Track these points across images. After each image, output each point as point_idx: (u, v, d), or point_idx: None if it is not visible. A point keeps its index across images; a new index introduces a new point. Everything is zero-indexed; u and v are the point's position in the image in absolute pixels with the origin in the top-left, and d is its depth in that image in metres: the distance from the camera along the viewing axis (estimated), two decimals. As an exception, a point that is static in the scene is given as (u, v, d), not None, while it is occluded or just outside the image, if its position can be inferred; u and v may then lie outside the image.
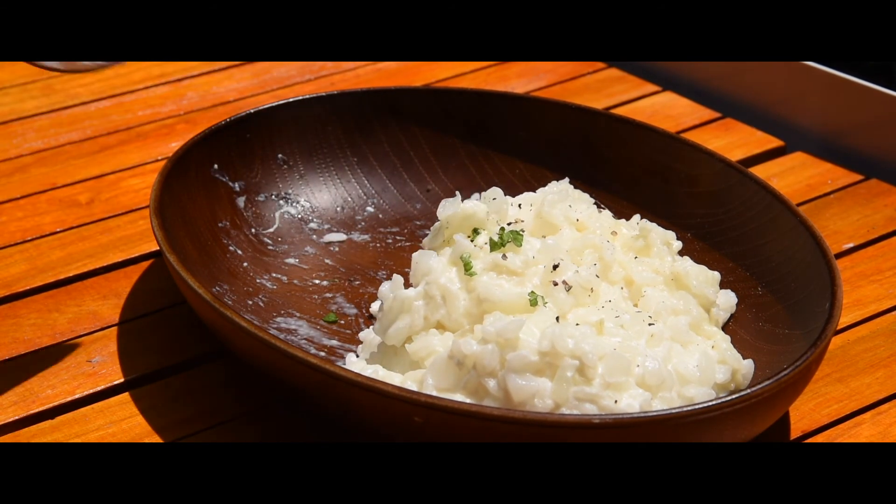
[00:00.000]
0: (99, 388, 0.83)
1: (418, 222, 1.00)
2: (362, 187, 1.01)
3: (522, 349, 0.75)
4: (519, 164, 1.03)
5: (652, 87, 1.25)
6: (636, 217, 0.91)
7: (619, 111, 1.20)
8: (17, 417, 0.81)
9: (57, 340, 0.88)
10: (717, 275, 0.87)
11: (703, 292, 0.85)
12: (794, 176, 1.11)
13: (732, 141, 1.16)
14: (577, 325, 0.77)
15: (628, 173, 1.01)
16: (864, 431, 0.82)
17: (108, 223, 1.01)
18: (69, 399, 0.83)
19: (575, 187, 0.96)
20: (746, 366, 0.82)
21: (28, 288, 0.93)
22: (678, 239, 0.92)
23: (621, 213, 0.99)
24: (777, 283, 0.89)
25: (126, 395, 0.83)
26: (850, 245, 1.01)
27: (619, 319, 0.79)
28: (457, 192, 0.90)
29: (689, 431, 0.71)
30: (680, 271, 0.86)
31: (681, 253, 0.92)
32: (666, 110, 1.21)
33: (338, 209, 1.00)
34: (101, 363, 0.86)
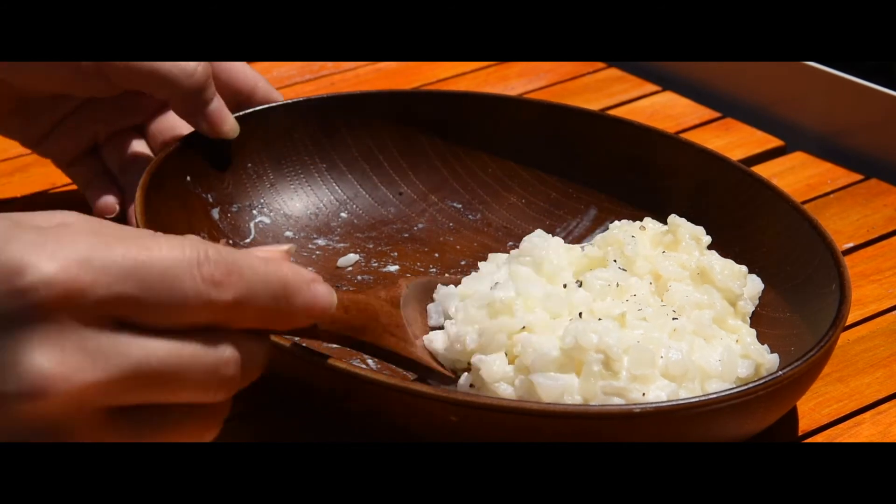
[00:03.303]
0: (99, 388, 0.83)
1: (394, 226, 1.00)
2: (334, 193, 1.01)
3: (542, 347, 0.75)
4: (490, 164, 1.03)
5: (652, 87, 1.25)
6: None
7: (619, 111, 1.20)
8: (16, 417, 0.81)
9: (57, 340, 0.88)
10: (743, 268, 0.86)
11: (728, 286, 0.84)
12: (794, 176, 1.11)
13: (732, 141, 1.16)
14: (600, 319, 0.77)
15: (604, 167, 1.01)
16: (863, 431, 0.82)
17: (108, 223, 1.01)
18: (69, 399, 0.82)
19: (549, 183, 1.00)
20: (771, 360, 0.81)
21: (28, 288, 0.93)
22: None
23: (599, 206, 1.00)
24: (772, 268, 0.89)
25: (126, 395, 0.83)
26: (850, 245, 1.01)
27: (641, 313, 0.79)
28: None
29: (734, 414, 0.73)
30: (705, 265, 0.85)
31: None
32: (666, 110, 1.21)
33: (311, 217, 0.99)
34: (101, 363, 0.85)
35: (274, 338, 0.74)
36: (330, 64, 1.28)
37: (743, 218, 0.93)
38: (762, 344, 0.83)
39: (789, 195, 0.92)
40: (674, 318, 0.80)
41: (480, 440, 0.71)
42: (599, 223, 0.99)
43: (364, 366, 0.84)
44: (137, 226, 0.84)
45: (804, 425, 0.83)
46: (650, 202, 0.97)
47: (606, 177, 1.00)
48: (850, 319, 0.92)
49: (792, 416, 0.83)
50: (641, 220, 0.90)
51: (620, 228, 0.87)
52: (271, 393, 0.82)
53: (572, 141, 1.02)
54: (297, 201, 1.00)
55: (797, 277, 0.87)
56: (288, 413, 0.81)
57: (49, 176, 1.07)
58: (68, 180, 1.07)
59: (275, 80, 1.25)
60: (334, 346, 0.87)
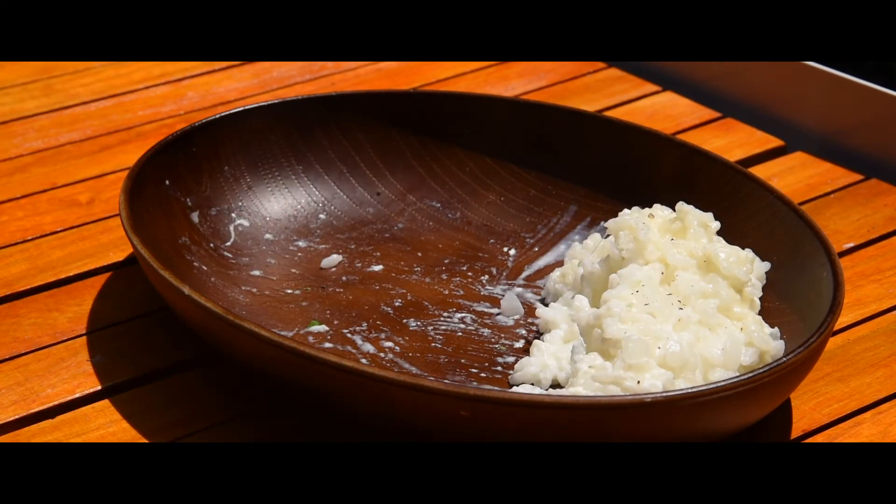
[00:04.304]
0: (99, 388, 0.83)
1: (374, 226, 1.00)
2: (311, 195, 1.01)
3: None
4: (468, 162, 1.03)
5: (652, 87, 1.25)
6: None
7: (619, 111, 1.20)
8: (16, 417, 0.81)
9: (57, 340, 0.88)
10: (749, 253, 0.87)
11: (733, 273, 0.84)
12: (794, 176, 1.11)
13: (732, 141, 1.16)
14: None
15: (583, 163, 1.01)
16: (864, 431, 0.82)
17: (108, 223, 1.01)
18: (69, 399, 0.83)
19: (528, 180, 1.00)
20: (776, 347, 0.81)
21: (28, 287, 0.93)
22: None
23: (580, 202, 1.00)
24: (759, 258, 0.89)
25: (126, 395, 0.83)
26: (850, 245, 1.01)
27: (648, 307, 0.79)
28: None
29: (742, 400, 0.73)
30: (710, 253, 0.85)
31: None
32: (666, 110, 1.21)
33: (290, 219, 0.99)
34: (101, 363, 0.86)
35: (274, 337, 0.74)
36: (330, 64, 1.28)
37: (726, 209, 0.93)
38: (772, 327, 0.83)
39: (772, 185, 0.92)
40: (679, 309, 0.80)
41: (490, 435, 0.71)
42: (580, 219, 1.00)
43: (366, 361, 0.84)
44: (125, 230, 0.84)
45: (804, 425, 0.83)
46: (631, 197, 0.97)
47: (586, 173, 1.01)
48: (850, 319, 0.93)
49: (792, 415, 0.83)
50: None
51: (631, 215, 0.87)
52: (272, 393, 0.82)
53: (551, 138, 1.03)
54: (275, 203, 1.00)
55: (785, 266, 0.87)
56: (289, 413, 0.81)
57: (49, 175, 1.07)
58: (69, 180, 1.07)
59: (275, 80, 1.25)
60: (328, 345, 0.87)
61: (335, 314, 0.90)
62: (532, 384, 0.83)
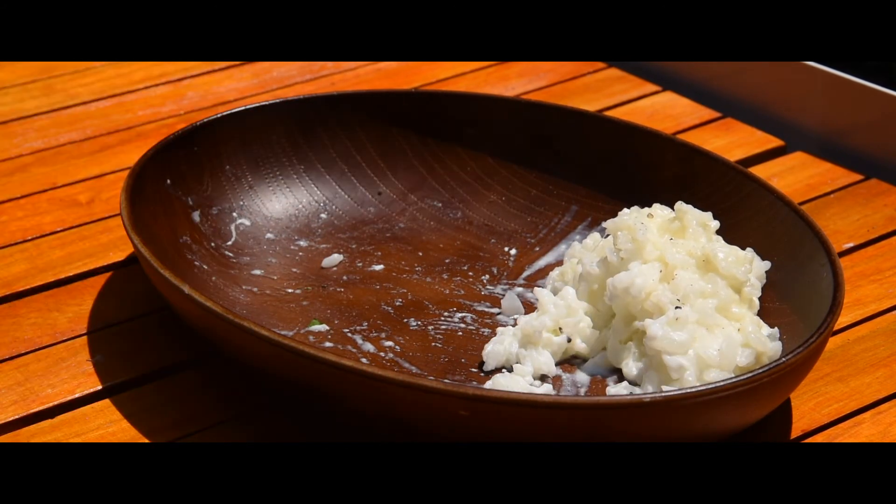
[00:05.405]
0: (99, 388, 0.84)
1: (376, 226, 1.00)
2: (312, 195, 1.01)
3: None
4: (469, 162, 1.03)
5: (652, 87, 1.25)
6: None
7: (619, 111, 1.20)
8: (16, 417, 0.81)
9: (57, 340, 0.88)
10: (749, 252, 0.87)
11: (732, 273, 0.84)
12: (794, 176, 1.11)
13: (732, 141, 1.16)
14: None
15: (584, 163, 1.01)
16: (864, 431, 0.82)
17: (108, 223, 1.01)
18: (69, 398, 0.83)
19: (529, 180, 1.01)
20: (773, 348, 0.81)
21: (28, 287, 0.93)
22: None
23: (581, 202, 1.00)
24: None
25: (127, 395, 0.83)
26: (850, 245, 1.01)
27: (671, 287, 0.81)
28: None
29: (740, 401, 0.74)
30: (709, 252, 0.85)
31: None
32: (666, 110, 1.21)
33: (291, 218, 0.99)
34: (101, 362, 0.86)
35: (274, 336, 0.74)
36: (330, 64, 1.28)
37: (726, 210, 0.93)
38: (772, 328, 0.83)
39: (773, 186, 0.92)
40: (677, 307, 0.80)
41: (489, 434, 0.72)
42: (581, 219, 1.00)
43: (366, 361, 0.84)
44: (126, 230, 0.84)
45: (804, 425, 0.83)
46: (632, 197, 0.97)
47: (587, 173, 1.01)
48: (850, 319, 0.93)
49: (792, 415, 0.83)
50: None
51: (630, 215, 0.88)
52: (272, 393, 0.82)
53: (552, 138, 1.03)
54: (276, 203, 1.00)
55: (785, 267, 0.88)
56: (289, 413, 0.81)
57: (49, 176, 1.07)
58: (69, 180, 1.07)
59: (275, 80, 1.25)
60: (328, 345, 0.87)
61: (336, 313, 0.90)
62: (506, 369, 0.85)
